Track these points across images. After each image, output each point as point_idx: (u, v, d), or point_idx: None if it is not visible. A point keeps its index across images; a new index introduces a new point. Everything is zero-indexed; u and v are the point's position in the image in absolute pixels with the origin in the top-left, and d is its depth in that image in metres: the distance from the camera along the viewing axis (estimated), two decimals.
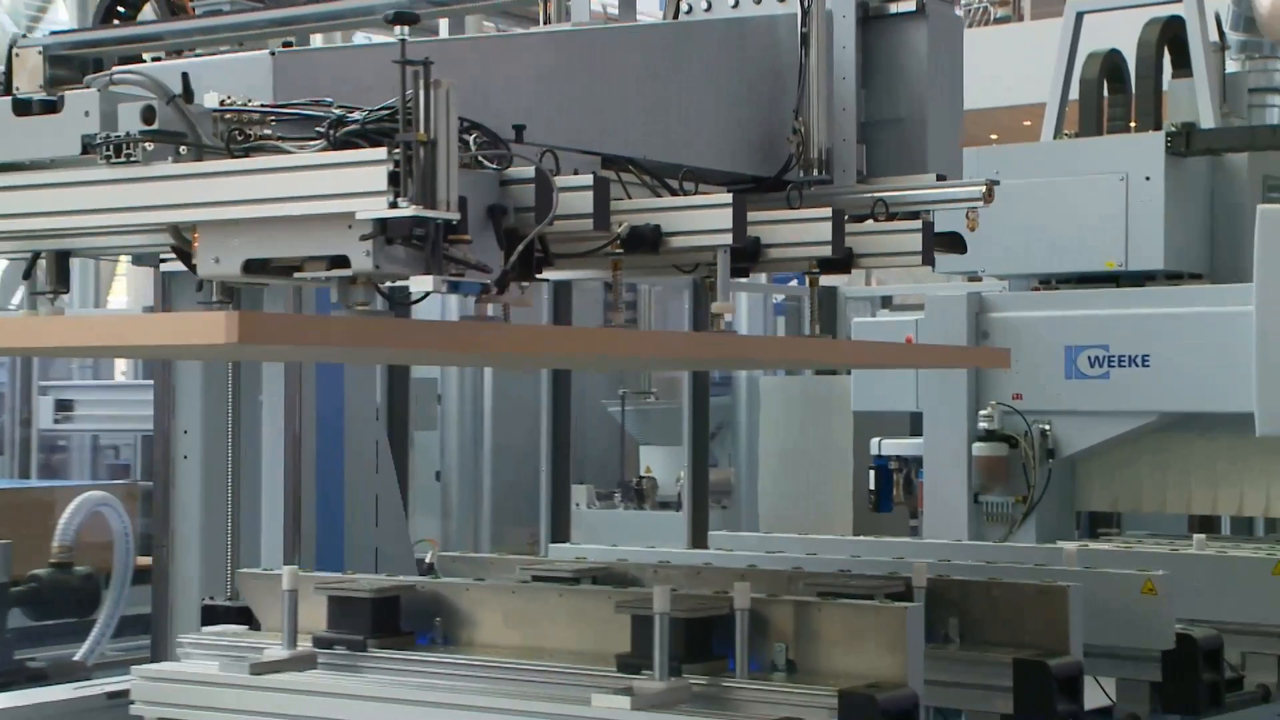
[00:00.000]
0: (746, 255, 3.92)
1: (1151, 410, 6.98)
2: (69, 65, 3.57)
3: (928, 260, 4.14)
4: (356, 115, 3.11)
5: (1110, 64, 8.05)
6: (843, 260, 4.02)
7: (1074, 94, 8.12)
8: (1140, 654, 4.51)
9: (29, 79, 3.47)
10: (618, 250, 3.63)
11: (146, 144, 3.06)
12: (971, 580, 4.31)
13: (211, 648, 4.48)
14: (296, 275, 3.08)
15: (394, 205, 2.89)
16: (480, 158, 3.21)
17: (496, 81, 3.55)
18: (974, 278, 7.42)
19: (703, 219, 3.68)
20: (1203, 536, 5.60)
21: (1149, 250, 7.19)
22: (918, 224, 4.16)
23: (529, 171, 3.28)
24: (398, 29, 3.04)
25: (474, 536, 10.82)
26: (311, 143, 3.10)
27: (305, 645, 4.24)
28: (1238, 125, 7.90)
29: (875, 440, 8.01)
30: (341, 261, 2.99)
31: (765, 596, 3.92)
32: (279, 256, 3.07)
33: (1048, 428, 7.18)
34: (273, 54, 3.23)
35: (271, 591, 4.43)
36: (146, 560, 7.47)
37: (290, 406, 5.49)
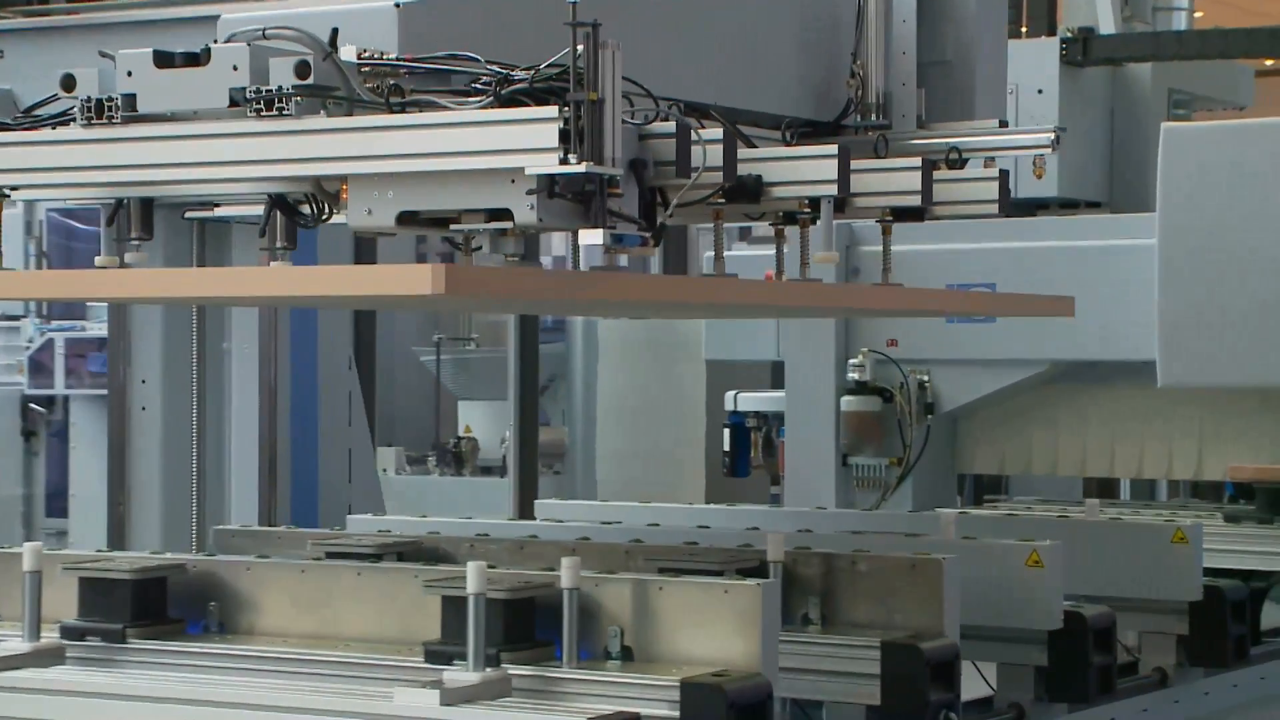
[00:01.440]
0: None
1: (1042, 359, 7.14)
2: None
3: (1004, 209, 4.60)
4: (519, 74, 3.57)
5: None
6: (919, 209, 4.44)
7: None
8: (1024, 635, 4.63)
9: None
10: (719, 200, 4.04)
11: (298, 98, 3.51)
12: (835, 554, 4.37)
13: None
14: (453, 226, 3.61)
15: (564, 161, 3.42)
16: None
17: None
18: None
19: (806, 169, 4.16)
20: (1096, 502, 5.75)
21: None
22: (993, 171, 4.62)
23: (668, 126, 3.77)
24: None
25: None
26: (469, 99, 3.58)
27: (51, 637, 4.19)
28: (1141, 31, 8.08)
29: (730, 394, 8.09)
30: (500, 213, 3.53)
31: (597, 574, 3.96)
32: (436, 209, 3.59)
33: (926, 379, 7.31)
34: (397, 5, 3.66)
35: (9, 573, 4.36)
36: None
37: (265, 355, 5.88)
